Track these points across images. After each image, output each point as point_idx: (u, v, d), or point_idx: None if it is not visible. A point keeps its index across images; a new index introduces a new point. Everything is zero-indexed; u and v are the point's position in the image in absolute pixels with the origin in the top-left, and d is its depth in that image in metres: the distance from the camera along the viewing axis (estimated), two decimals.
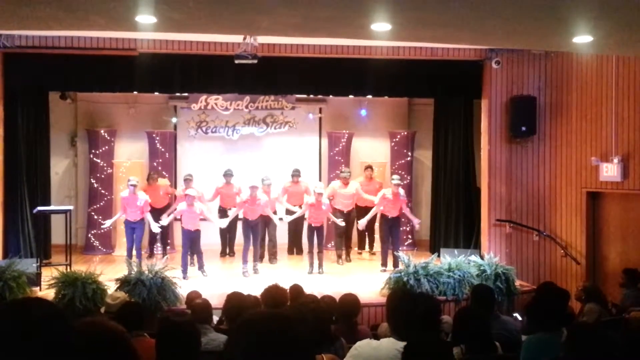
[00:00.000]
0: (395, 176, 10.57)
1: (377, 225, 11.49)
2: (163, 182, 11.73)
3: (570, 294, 6.80)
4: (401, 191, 10.35)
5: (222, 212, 11.27)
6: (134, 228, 10.06)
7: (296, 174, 11.53)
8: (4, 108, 10.12)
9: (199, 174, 12.26)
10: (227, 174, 11.24)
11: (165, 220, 10.32)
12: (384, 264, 10.29)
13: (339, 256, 11.15)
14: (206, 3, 5.29)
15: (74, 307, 7.58)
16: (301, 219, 10.88)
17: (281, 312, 1.75)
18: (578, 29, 6.11)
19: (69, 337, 1.71)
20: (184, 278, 9.39)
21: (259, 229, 10.38)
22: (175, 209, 10.52)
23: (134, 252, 10.01)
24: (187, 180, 11.05)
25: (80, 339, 1.81)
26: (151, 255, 11.44)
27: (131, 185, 9.96)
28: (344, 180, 11.21)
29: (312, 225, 10.29)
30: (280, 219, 11.05)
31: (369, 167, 11.87)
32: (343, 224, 10.66)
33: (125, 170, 12.00)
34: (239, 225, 11.00)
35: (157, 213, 10.97)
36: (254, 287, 7.17)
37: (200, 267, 10.03)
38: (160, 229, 10.34)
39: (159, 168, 12.19)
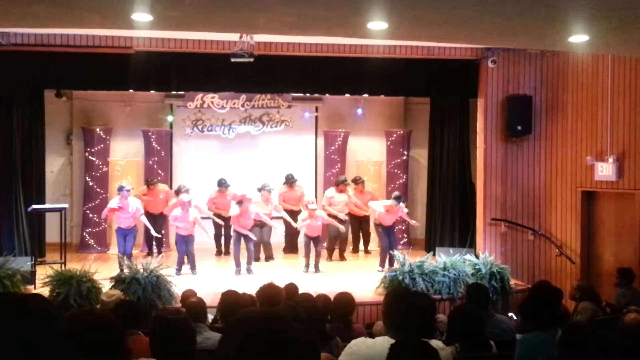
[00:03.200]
0: (395, 194, 10.43)
1: (372, 225, 11.52)
2: (162, 186, 11.69)
3: (565, 293, 6.83)
4: (403, 207, 10.36)
5: (217, 217, 11.28)
6: (125, 235, 9.98)
7: (291, 179, 11.52)
8: None
9: (194, 172, 12.27)
10: (221, 184, 11.20)
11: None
12: (382, 264, 10.25)
13: (330, 255, 11.23)
14: (202, 1, 5.28)
15: (69, 305, 7.57)
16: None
17: (275, 311, 1.75)
18: (574, 28, 6.12)
19: (61, 332, 1.70)
20: (177, 274, 9.49)
21: (251, 234, 10.33)
22: (169, 217, 10.58)
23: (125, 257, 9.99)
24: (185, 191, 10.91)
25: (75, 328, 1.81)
26: (150, 253, 11.38)
27: (127, 190, 9.93)
28: (342, 187, 11.20)
29: (309, 235, 10.27)
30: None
31: (359, 182, 11.58)
32: (344, 229, 10.71)
33: (120, 169, 11.98)
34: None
35: (154, 218, 10.95)
36: (249, 286, 7.16)
37: (192, 267, 10.03)
38: (160, 235, 10.71)
39: (155, 166, 12.18)
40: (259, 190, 10.89)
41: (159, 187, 11.50)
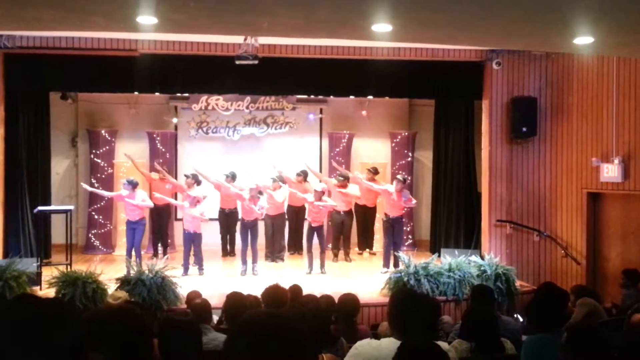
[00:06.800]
0: (398, 176, 10.53)
1: (377, 225, 11.49)
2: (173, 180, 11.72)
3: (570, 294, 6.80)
4: (405, 193, 10.29)
5: (222, 214, 11.33)
6: (134, 229, 10.04)
7: (302, 174, 11.51)
8: (5, 108, 10.12)
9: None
10: (229, 176, 11.17)
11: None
12: (386, 265, 10.21)
13: (335, 255, 11.23)
14: (207, 4, 5.30)
15: (74, 306, 7.58)
16: (302, 218, 10.90)
17: (280, 312, 1.75)
18: (579, 30, 6.11)
19: (72, 332, 1.72)
20: (184, 274, 9.54)
21: (256, 231, 10.37)
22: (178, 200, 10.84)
23: (134, 253, 10.01)
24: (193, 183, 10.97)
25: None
26: (155, 254, 11.40)
27: (126, 182, 10.03)
28: (340, 184, 11.17)
29: (312, 225, 10.31)
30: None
31: (371, 171, 11.52)
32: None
33: (125, 171, 12.00)
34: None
35: (160, 213, 11.07)
36: (254, 287, 7.17)
37: (200, 268, 10.06)
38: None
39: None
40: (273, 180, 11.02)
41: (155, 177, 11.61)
